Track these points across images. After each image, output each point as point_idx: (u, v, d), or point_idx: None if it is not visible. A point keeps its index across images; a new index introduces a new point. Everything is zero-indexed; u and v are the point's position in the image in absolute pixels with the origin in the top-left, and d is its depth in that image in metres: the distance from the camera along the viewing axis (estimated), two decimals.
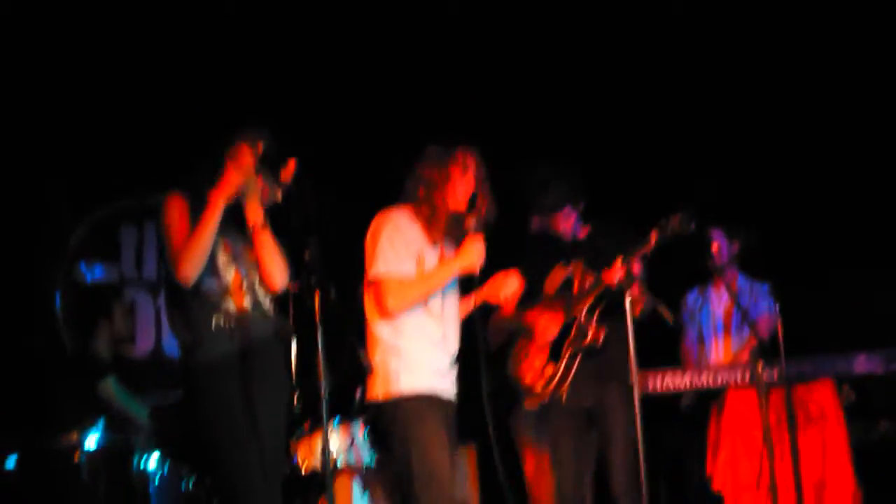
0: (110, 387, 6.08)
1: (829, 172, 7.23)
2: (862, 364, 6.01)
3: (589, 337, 5.55)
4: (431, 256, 4.90)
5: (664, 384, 6.14)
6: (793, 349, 5.87)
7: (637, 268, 5.53)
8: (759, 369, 5.68)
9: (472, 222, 4.89)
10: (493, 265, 5.17)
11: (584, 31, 7.53)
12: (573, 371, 5.61)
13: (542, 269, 5.82)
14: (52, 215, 7.29)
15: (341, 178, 6.89)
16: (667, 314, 5.57)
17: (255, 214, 4.71)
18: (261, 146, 4.68)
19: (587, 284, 5.54)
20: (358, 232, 4.98)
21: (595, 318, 5.56)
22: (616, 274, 5.44)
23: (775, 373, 5.94)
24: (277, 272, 4.78)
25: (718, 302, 6.86)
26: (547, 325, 5.71)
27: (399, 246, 4.83)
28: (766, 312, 6.60)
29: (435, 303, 4.87)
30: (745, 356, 6.58)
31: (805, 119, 7.33)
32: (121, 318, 6.40)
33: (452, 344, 4.95)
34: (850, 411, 6.09)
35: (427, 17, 7.40)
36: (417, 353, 4.79)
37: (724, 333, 6.80)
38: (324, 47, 7.52)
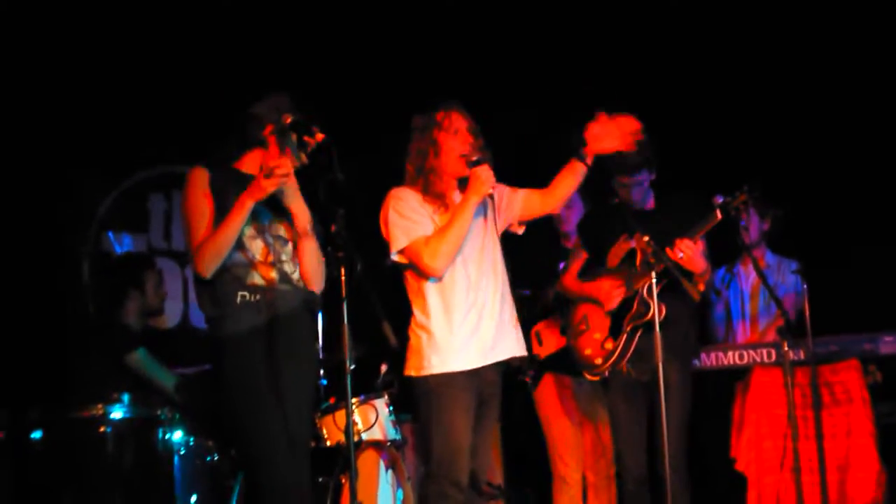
0: (140, 358, 6.09)
1: (861, 152, 7.19)
2: (888, 345, 6.02)
3: (651, 312, 5.45)
4: (443, 219, 4.91)
5: None
6: (819, 328, 5.87)
7: (701, 245, 5.54)
8: (785, 348, 5.65)
9: (476, 160, 4.87)
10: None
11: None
12: (633, 346, 5.60)
13: (608, 238, 5.80)
14: (78, 183, 7.29)
15: (369, 151, 6.89)
16: (692, 290, 5.54)
17: (302, 219, 4.69)
18: (288, 118, 4.65)
19: (650, 259, 5.48)
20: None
21: (656, 293, 5.45)
22: (680, 252, 5.43)
23: (801, 352, 5.95)
24: (317, 277, 4.78)
25: (746, 279, 6.84)
26: (610, 293, 5.70)
27: (410, 213, 4.88)
28: (794, 290, 6.58)
29: (466, 266, 4.88)
30: (772, 335, 6.56)
31: (839, 99, 7.28)
32: (152, 289, 6.39)
33: (490, 299, 4.91)
34: (875, 392, 6.07)
35: None
36: (448, 335, 4.83)
37: (750, 311, 6.78)
38: (350, 15, 7.50)
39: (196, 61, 7.32)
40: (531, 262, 6.50)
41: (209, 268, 4.56)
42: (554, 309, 6.52)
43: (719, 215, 5.45)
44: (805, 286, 5.93)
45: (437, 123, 4.91)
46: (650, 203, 5.80)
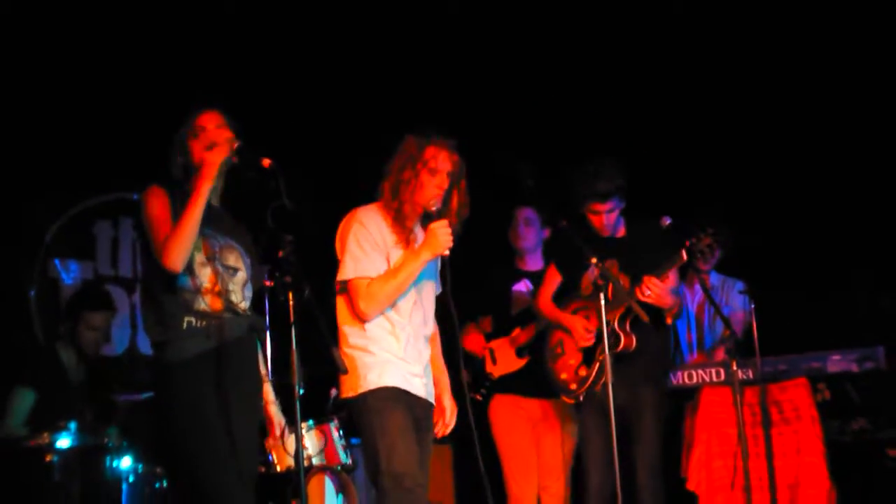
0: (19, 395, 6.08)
1: (804, 172, 7.26)
2: (836, 363, 6.04)
3: (622, 343, 5.70)
4: (399, 254, 4.82)
5: None
6: (767, 348, 5.90)
7: (671, 282, 5.72)
8: (734, 367, 5.69)
9: (436, 211, 4.80)
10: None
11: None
12: (605, 374, 5.64)
13: (581, 263, 5.82)
14: (24, 211, 7.24)
15: (317, 173, 6.88)
16: (641, 312, 5.60)
17: None
18: (235, 144, 4.63)
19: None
20: (334, 228, 4.95)
21: (627, 324, 5.70)
22: (647, 290, 5.59)
23: (750, 371, 5.98)
24: None
25: (692, 300, 6.86)
26: (583, 334, 5.89)
27: (367, 246, 4.78)
28: (740, 310, 6.62)
29: (403, 307, 4.83)
30: (720, 354, 6.58)
31: (782, 119, 7.36)
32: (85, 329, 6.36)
33: (422, 346, 4.92)
34: (824, 410, 6.10)
35: (426, 8, 7.40)
36: (384, 355, 4.77)
37: (696, 332, 6.81)
38: (307, 38, 7.50)
39: (145, 86, 7.28)
40: (484, 285, 6.53)
41: (176, 259, 4.46)
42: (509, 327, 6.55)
43: (685, 256, 5.57)
44: (752, 305, 5.98)
45: (424, 160, 4.80)
46: (621, 231, 5.89)
